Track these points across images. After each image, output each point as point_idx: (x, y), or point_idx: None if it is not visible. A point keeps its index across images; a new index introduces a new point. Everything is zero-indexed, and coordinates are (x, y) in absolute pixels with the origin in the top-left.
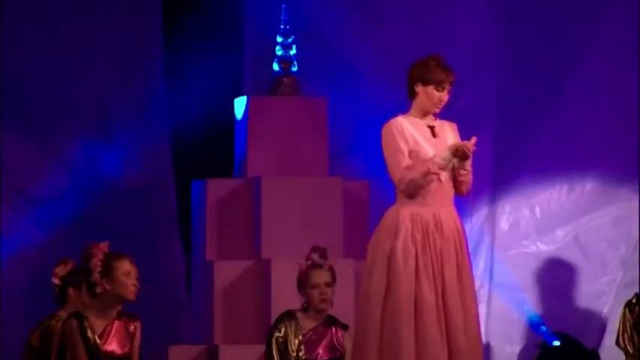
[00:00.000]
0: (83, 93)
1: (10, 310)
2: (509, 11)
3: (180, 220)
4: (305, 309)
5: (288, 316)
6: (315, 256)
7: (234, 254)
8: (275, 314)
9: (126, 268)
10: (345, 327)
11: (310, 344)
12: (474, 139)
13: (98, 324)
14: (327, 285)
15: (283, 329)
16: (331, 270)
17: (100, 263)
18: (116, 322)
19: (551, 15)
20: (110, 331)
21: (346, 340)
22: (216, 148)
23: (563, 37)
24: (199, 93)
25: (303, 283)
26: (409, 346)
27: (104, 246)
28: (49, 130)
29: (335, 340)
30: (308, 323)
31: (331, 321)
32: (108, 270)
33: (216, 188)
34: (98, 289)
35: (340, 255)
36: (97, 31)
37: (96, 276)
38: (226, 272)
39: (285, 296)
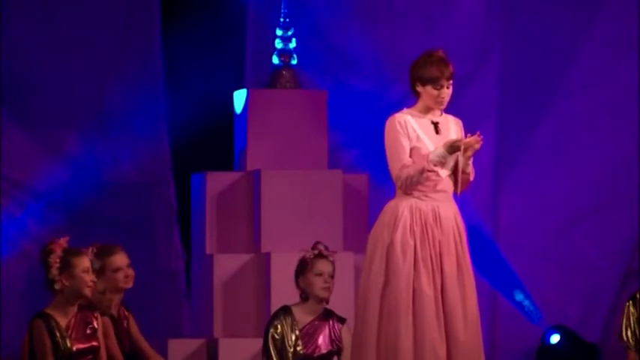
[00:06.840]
0: (82, 87)
1: (9, 304)
2: (509, 5)
3: (179, 213)
4: (304, 298)
5: (284, 311)
6: (322, 247)
7: (233, 247)
8: (275, 308)
9: (85, 264)
10: (342, 320)
11: (308, 338)
12: (478, 137)
13: (61, 321)
14: (330, 276)
15: (279, 326)
16: (334, 264)
17: (58, 260)
18: (77, 317)
19: (550, 8)
20: (72, 326)
21: (344, 334)
22: (215, 141)
23: (563, 31)
24: (199, 86)
25: (305, 269)
26: (407, 338)
27: (63, 242)
28: (47, 123)
29: (333, 334)
30: (304, 317)
31: (328, 314)
32: (66, 266)
33: (216, 181)
34: (57, 286)
35: (340, 248)
36: (96, 24)
37: (54, 272)
38: (226, 266)
39: (284, 290)
